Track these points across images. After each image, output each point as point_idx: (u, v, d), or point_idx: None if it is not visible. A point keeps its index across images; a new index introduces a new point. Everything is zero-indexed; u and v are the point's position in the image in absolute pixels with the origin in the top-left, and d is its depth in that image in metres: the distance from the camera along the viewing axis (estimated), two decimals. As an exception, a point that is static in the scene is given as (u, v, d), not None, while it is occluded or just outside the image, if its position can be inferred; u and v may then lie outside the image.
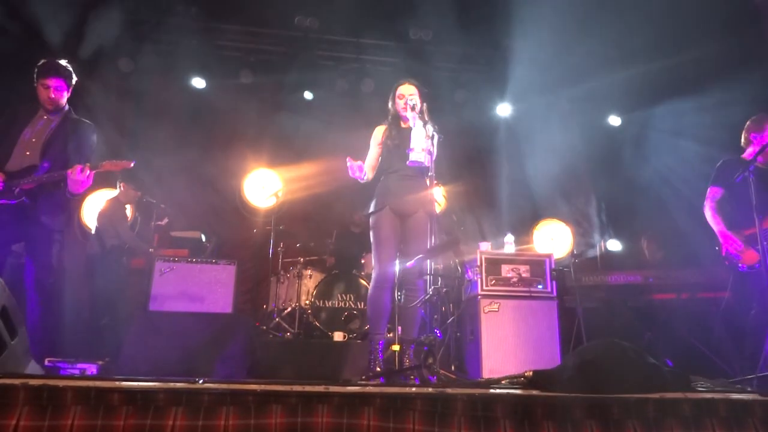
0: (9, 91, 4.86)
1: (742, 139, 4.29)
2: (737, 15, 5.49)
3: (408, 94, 3.80)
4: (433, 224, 3.51)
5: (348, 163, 3.67)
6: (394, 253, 3.71)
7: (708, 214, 4.16)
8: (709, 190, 4.21)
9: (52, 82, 3.69)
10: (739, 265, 3.95)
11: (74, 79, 3.82)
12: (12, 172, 3.54)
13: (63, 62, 3.79)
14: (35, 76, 3.72)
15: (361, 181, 3.82)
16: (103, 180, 5.48)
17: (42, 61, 3.78)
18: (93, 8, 5.92)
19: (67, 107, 3.82)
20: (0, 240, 3.57)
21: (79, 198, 3.92)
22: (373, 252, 3.75)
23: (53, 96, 3.69)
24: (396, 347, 3.33)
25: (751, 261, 3.89)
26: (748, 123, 4.26)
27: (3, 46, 5.69)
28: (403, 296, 3.66)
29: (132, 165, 3.77)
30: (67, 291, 3.90)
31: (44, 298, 3.59)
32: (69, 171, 3.51)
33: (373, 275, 3.70)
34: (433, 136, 3.50)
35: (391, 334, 3.76)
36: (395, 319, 3.52)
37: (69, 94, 3.80)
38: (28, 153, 3.60)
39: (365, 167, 3.78)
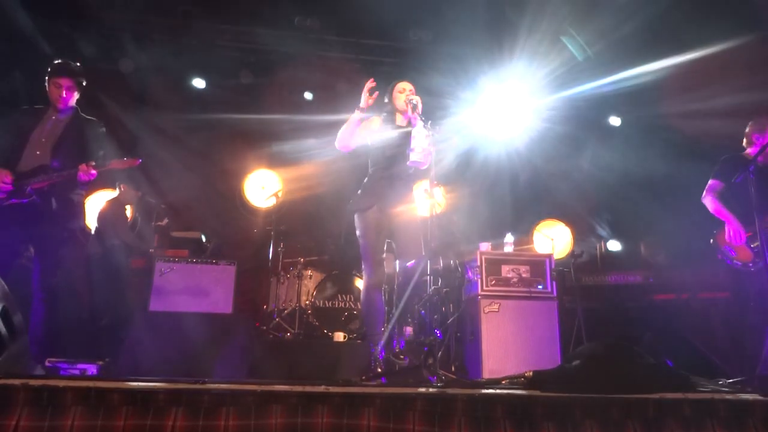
0: (10, 90, 4.87)
1: (744, 140, 4.30)
2: (737, 14, 5.49)
3: (408, 88, 3.77)
4: (428, 223, 3.48)
5: (369, 84, 3.59)
6: (382, 252, 3.67)
7: (711, 205, 4.13)
8: (710, 182, 4.19)
9: (64, 81, 3.75)
10: (734, 261, 3.95)
11: (84, 80, 3.88)
12: (22, 172, 3.59)
13: (75, 63, 3.86)
14: (47, 75, 3.78)
15: (341, 144, 3.72)
16: (104, 180, 5.49)
17: (55, 61, 3.86)
18: (93, 9, 5.92)
19: (75, 107, 3.88)
20: (10, 239, 3.61)
21: (86, 193, 3.98)
22: (362, 252, 3.67)
23: (65, 95, 3.75)
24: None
25: (745, 258, 3.90)
26: (750, 123, 4.27)
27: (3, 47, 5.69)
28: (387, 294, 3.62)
29: (138, 163, 3.86)
30: (67, 291, 3.91)
31: (48, 298, 3.62)
32: (80, 171, 3.58)
33: (365, 276, 3.64)
34: (432, 136, 3.48)
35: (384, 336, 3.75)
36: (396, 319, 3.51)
37: (78, 94, 3.87)
38: (38, 153, 3.65)
39: (356, 133, 3.69)
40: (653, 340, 4.86)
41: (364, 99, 3.62)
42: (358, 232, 3.68)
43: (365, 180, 3.80)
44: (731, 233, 3.93)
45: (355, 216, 3.70)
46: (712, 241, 4.12)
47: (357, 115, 3.65)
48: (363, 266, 3.67)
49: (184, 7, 6.31)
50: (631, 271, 5.25)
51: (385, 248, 3.69)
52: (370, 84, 3.61)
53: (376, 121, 3.82)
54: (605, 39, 6.18)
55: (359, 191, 3.76)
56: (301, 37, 6.63)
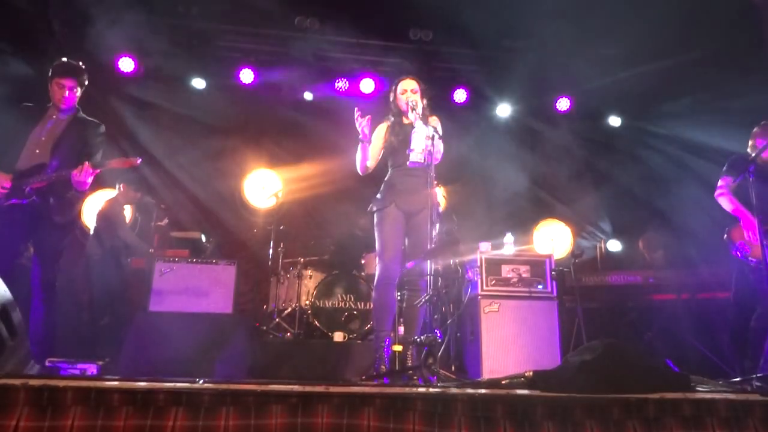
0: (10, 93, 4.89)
1: (749, 146, 4.26)
2: (736, 15, 5.49)
3: (410, 88, 3.79)
4: (436, 223, 3.49)
5: (357, 115, 3.62)
6: (399, 250, 3.69)
7: (724, 199, 4.08)
8: (721, 179, 4.15)
9: (67, 82, 3.76)
10: (749, 258, 3.91)
11: (86, 81, 3.89)
12: (22, 171, 3.59)
13: (77, 63, 3.88)
14: (50, 74, 3.79)
15: (361, 171, 3.81)
16: (104, 180, 5.48)
17: (58, 60, 3.88)
18: (93, 9, 5.93)
19: (77, 107, 3.89)
20: (10, 239, 3.61)
21: (84, 195, 3.98)
22: (377, 249, 3.72)
23: (68, 95, 3.76)
24: (398, 347, 3.32)
25: (759, 255, 3.85)
26: (755, 129, 4.24)
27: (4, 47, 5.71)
28: (404, 296, 3.65)
29: (138, 162, 3.87)
30: (67, 291, 3.92)
31: (48, 298, 3.63)
32: (74, 172, 3.55)
33: (377, 273, 3.67)
34: (433, 136, 3.48)
35: (391, 335, 3.74)
36: (396, 319, 3.51)
37: (80, 94, 3.87)
38: (38, 151, 3.66)
39: (368, 156, 3.77)
40: (653, 340, 4.86)
41: (362, 131, 3.67)
42: (376, 229, 3.75)
43: (384, 177, 3.87)
44: (748, 231, 3.88)
45: (375, 214, 3.78)
46: (725, 236, 4.08)
47: (360, 146, 3.74)
48: (377, 261, 3.72)
49: (184, 7, 6.32)
50: (631, 271, 5.24)
51: (401, 246, 3.71)
52: (357, 117, 3.65)
53: (383, 127, 3.88)
54: (604, 37, 6.19)
55: (379, 192, 3.84)
56: (301, 37, 6.63)
